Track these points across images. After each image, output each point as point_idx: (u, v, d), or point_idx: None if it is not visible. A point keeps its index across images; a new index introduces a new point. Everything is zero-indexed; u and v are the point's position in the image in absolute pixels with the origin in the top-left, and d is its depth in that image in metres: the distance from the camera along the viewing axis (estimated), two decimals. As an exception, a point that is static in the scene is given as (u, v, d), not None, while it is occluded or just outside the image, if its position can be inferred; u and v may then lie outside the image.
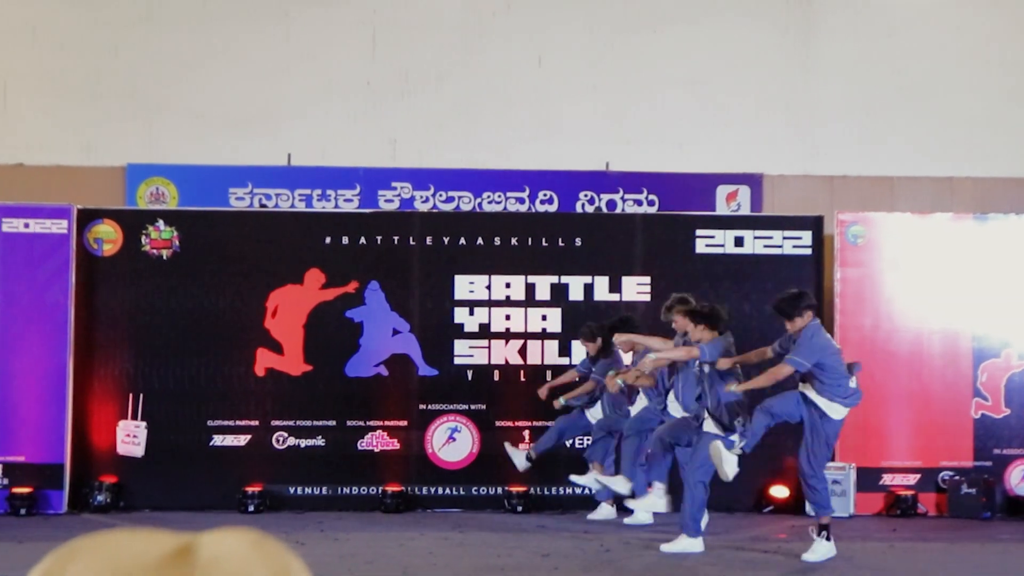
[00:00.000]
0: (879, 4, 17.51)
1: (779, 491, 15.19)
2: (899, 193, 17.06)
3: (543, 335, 15.52)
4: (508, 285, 15.55)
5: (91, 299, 15.30)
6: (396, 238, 15.55)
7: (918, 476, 15.38)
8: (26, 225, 15.07)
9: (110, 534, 1.56)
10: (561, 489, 15.11)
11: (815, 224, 15.68)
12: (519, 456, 14.67)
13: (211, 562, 1.55)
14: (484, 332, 15.46)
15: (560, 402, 14.64)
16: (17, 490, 14.76)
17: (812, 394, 11.87)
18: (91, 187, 16.63)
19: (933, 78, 17.36)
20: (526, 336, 15.52)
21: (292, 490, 15.19)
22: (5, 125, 16.99)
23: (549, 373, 15.30)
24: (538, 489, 15.33)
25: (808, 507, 13.00)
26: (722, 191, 16.95)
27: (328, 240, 15.53)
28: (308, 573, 1.64)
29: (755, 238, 15.58)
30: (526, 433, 15.21)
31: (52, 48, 17.09)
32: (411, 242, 15.55)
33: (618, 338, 13.76)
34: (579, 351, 15.21)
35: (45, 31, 17.11)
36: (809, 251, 15.58)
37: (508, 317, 15.51)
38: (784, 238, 15.58)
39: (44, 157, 16.91)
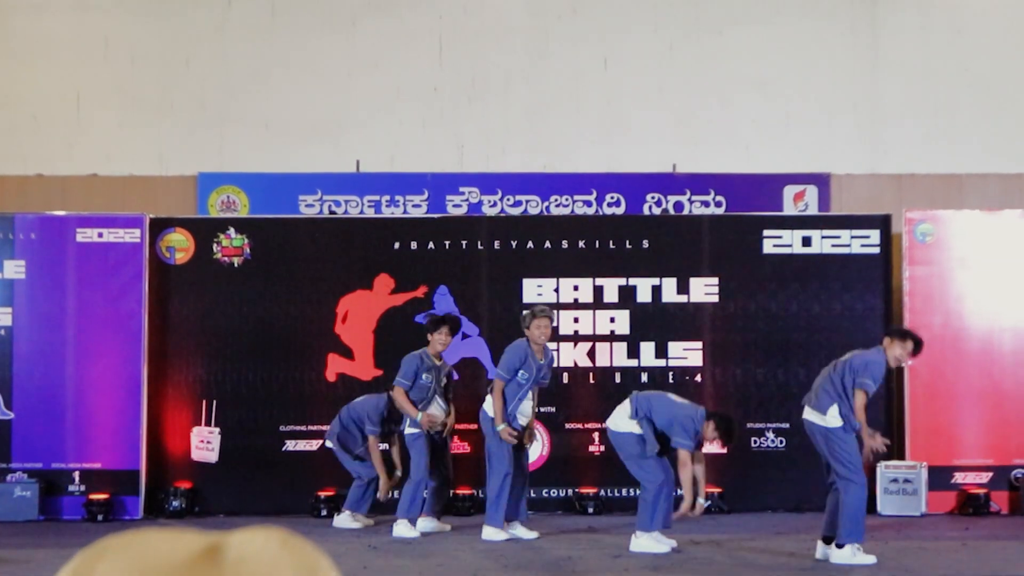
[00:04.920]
0: (946, 2, 17.41)
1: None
2: (968, 191, 16.95)
3: (611, 337, 15.53)
4: (576, 288, 15.57)
5: (164, 307, 15.47)
6: (464, 243, 15.62)
7: (990, 474, 15.27)
8: (100, 235, 15.25)
9: (139, 533, 1.61)
10: (632, 491, 15.08)
11: (883, 223, 15.60)
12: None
13: (238, 561, 1.56)
14: (553, 335, 15.47)
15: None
16: (94, 496, 14.95)
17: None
18: (163, 196, 16.82)
19: (1001, 75, 17.24)
20: (594, 339, 15.53)
21: (364, 494, 15.23)
22: (79, 136, 17.20)
23: (618, 375, 15.33)
24: (609, 491, 15.35)
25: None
26: (789, 191, 16.89)
27: (397, 245, 15.62)
28: (337, 572, 1.66)
29: (823, 238, 15.52)
30: (595, 435, 15.22)
31: (124, 60, 17.28)
32: (479, 246, 15.61)
33: None
34: (647, 351, 15.29)
35: (117, 43, 17.30)
36: (877, 250, 15.51)
37: (576, 320, 15.54)
38: (852, 237, 15.52)
39: (117, 167, 17.11)
